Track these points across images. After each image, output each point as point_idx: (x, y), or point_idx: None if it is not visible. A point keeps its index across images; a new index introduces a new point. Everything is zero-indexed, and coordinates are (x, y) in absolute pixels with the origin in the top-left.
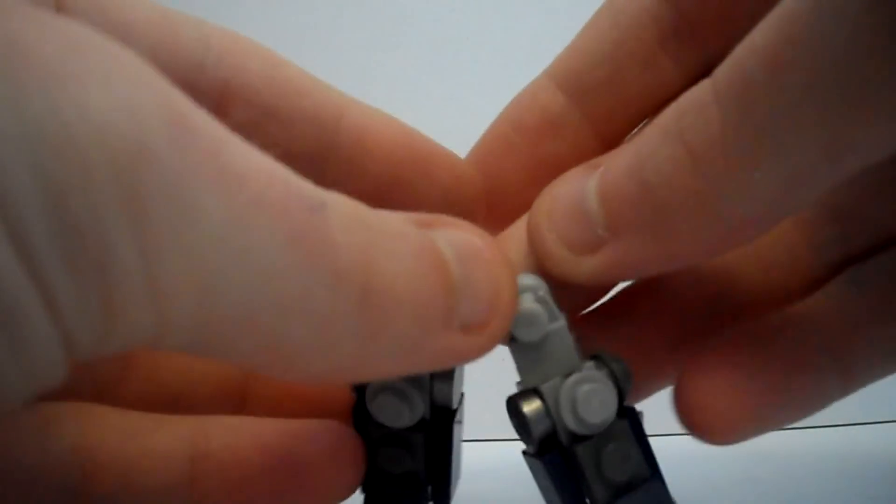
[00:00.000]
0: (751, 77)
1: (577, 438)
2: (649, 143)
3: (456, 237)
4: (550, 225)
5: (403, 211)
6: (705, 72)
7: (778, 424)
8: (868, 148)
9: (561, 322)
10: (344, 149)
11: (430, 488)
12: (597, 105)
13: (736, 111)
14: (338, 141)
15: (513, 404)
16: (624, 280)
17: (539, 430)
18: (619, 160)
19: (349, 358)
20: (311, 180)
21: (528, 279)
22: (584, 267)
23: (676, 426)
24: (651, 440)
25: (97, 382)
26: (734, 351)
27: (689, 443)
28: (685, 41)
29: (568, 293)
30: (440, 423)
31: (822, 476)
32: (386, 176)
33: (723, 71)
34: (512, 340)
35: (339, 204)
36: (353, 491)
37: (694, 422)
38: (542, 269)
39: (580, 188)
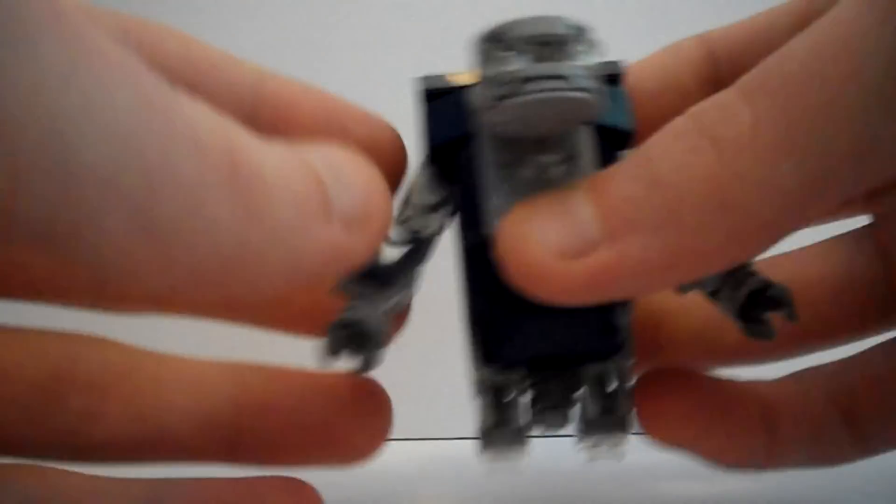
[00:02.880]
0: (789, 76)
1: None
2: (659, 144)
3: (321, 148)
4: (532, 230)
5: None
6: None
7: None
8: None
9: None
10: (265, 117)
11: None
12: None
13: (768, 107)
14: (258, 111)
15: None
16: (606, 297)
17: None
18: (617, 167)
19: (231, 242)
20: None
21: None
22: (572, 272)
23: None
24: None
25: (69, 419)
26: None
27: None
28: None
29: None
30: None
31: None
32: (308, 138)
33: (749, 78)
34: None
35: (191, 99)
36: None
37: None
38: (517, 278)
39: (566, 195)
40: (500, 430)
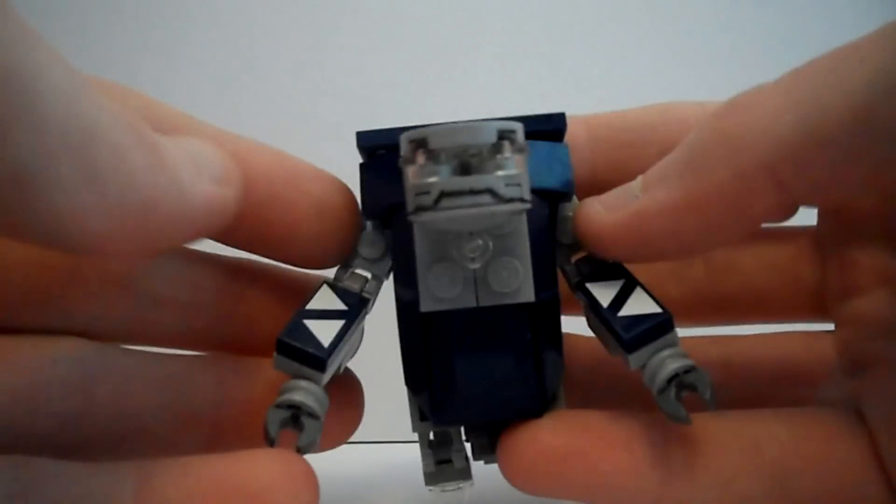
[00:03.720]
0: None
1: None
2: (690, 139)
3: (182, 138)
4: (597, 200)
5: (280, 225)
6: None
7: None
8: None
9: None
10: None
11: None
12: (616, 154)
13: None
14: None
15: None
16: (638, 242)
17: None
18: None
19: (147, 185)
20: None
21: None
22: (612, 217)
23: None
24: None
25: (49, 424)
26: None
27: None
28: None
29: None
30: None
31: None
32: (261, 194)
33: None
34: None
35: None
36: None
37: None
38: (581, 233)
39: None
40: (442, 470)
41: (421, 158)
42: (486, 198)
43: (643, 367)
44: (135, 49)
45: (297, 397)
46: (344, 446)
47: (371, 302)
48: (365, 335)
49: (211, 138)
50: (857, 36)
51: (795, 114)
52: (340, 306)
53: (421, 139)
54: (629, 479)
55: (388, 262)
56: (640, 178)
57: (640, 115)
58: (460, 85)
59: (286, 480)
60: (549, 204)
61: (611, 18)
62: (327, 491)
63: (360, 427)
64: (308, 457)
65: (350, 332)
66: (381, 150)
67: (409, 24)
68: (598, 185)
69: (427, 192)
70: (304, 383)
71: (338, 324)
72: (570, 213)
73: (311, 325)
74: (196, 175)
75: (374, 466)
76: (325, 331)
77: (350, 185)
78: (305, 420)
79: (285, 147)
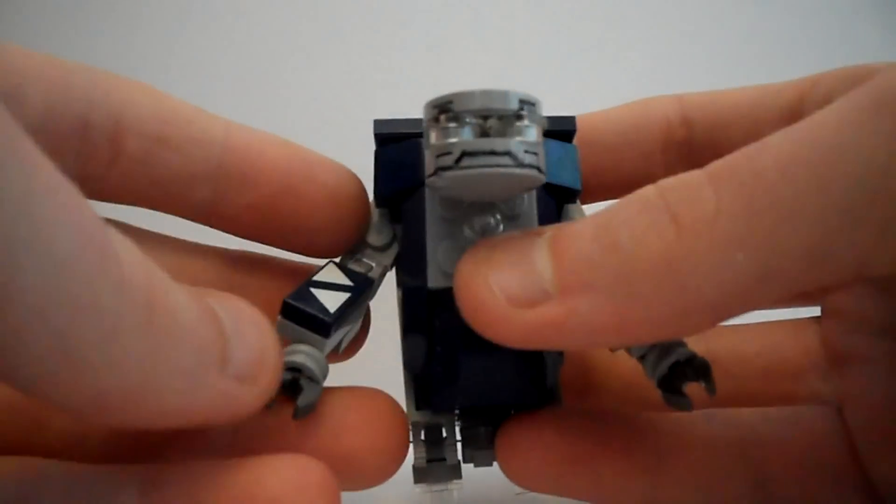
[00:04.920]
0: (761, 170)
1: None
2: (624, 211)
3: (226, 300)
4: (490, 272)
5: (296, 215)
6: None
7: None
8: (853, 262)
9: None
10: (234, 165)
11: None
12: (597, 158)
13: (734, 196)
14: (225, 160)
15: None
16: (556, 346)
17: None
18: (581, 225)
19: (137, 374)
20: (209, 196)
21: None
22: (519, 320)
23: None
24: None
25: (52, 441)
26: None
27: None
28: (680, 156)
29: None
30: None
31: None
32: (276, 185)
33: (722, 164)
34: None
35: (120, 236)
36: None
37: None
38: (470, 317)
39: (528, 243)
40: (433, 467)
41: (443, 121)
42: (507, 159)
43: (643, 356)
44: (140, 45)
45: (299, 359)
46: None
47: (375, 285)
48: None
49: (222, 130)
50: (857, 36)
51: (747, 255)
52: (346, 282)
53: (445, 102)
54: (624, 483)
55: (394, 253)
56: (548, 261)
57: (622, 116)
58: (460, 83)
59: (301, 488)
60: (557, 202)
61: (611, 18)
62: None
63: None
64: None
65: (354, 306)
66: (395, 138)
67: (409, 23)
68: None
69: (449, 153)
70: (305, 347)
71: (343, 295)
72: (575, 216)
73: (318, 293)
74: (216, 366)
75: None
76: (331, 300)
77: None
78: (305, 383)
79: (295, 138)
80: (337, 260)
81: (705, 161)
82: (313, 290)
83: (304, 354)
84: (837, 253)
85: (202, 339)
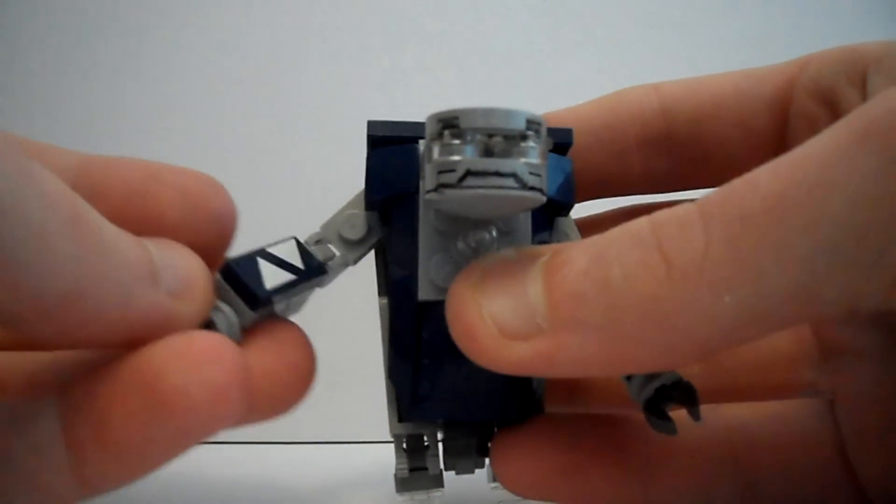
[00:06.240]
0: (748, 210)
1: None
2: (616, 245)
3: (154, 238)
4: (483, 300)
5: (146, 216)
6: (663, 181)
7: None
8: (842, 301)
9: None
10: (84, 187)
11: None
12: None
13: (723, 237)
14: (80, 181)
15: None
16: (544, 375)
17: None
18: (575, 255)
19: (69, 276)
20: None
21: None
22: (510, 352)
23: None
24: None
25: None
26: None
27: None
28: (659, 151)
29: None
30: None
31: None
32: (122, 193)
33: (714, 199)
34: None
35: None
36: None
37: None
38: (462, 344)
39: (522, 270)
40: (415, 476)
41: (447, 137)
42: (511, 181)
43: (629, 377)
44: (140, 45)
45: (215, 317)
46: (316, 446)
47: (329, 276)
48: (337, 335)
49: (74, 163)
50: (857, 35)
51: (734, 297)
52: (298, 263)
53: (451, 118)
54: (617, 490)
55: (361, 251)
56: (542, 293)
57: (591, 114)
58: (460, 84)
59: (186, 355)
60: (549, 215)
61: (611, 18)
62: (298, 491)
63: (332, 427)
64: (279, 449)
65: (296, 290)
66: (390, 141)
67: (409, 24)
68: None
69: (452, 170)
70: (227, 309)
71: (288, 276)
72: (567, 230)
73: (263, 265)
74: (146, 280)
75: (345, 468)
76: (273, 275)
77: (352, 182)
78: None
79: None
80: (301, 238)
81: (687, 156)
82: (259, 260)
83: (223, 315)
84: (825, 293)
85: (129, 254)
